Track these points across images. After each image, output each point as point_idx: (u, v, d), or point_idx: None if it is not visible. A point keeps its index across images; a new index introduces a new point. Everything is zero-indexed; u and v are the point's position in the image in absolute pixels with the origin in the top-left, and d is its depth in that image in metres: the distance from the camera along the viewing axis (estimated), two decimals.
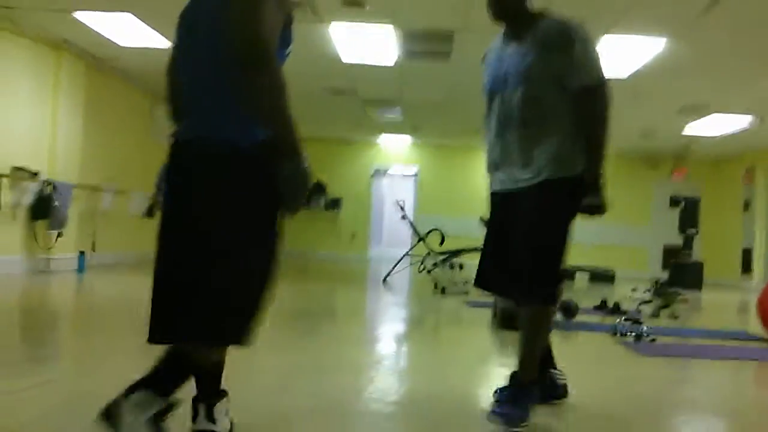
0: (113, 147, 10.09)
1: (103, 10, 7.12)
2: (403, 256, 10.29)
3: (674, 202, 14.01)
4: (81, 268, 8.60)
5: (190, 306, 1.87)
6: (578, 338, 5.27)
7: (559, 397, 3.02)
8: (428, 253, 9.81)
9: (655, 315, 6.93)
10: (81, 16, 7.28)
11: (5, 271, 7.72)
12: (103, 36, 7.93)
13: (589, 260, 13.25)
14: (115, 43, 8.23)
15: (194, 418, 2.10)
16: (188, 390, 2.05)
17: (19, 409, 2.58)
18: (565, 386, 3.04)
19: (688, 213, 14.16)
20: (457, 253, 10.21)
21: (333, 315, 6.44)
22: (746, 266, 14.07)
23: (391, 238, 17.98)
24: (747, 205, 14.40)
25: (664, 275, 12.49)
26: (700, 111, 10.51)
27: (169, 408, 1.94)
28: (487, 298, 7.20)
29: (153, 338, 1.94)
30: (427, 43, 7.72)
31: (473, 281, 3.04)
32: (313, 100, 11.32)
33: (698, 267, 12.59)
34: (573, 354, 4.50)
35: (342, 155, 16.29)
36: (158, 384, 1.92)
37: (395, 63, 8.56)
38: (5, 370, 3.20)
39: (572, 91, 2.70)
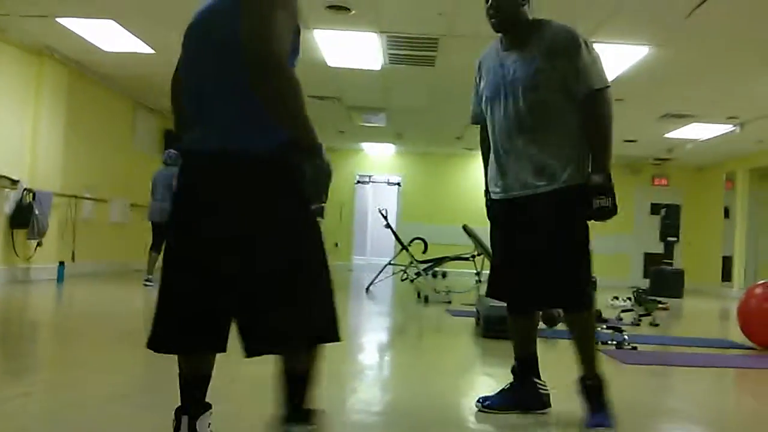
0: (94, 154, 10.01)
1: (86, 17, 7.08)
2: (386, 264, 10.29)
3: (656, 209, 14.14)
4: (60, 279, 8.51)
5: (282, 317, 1.91)
6: (560, 346, 5.29)
7: (541, 408, 3.02)
8: (411, 262, 9.80)
9: (636, 323, 6.96)
10: (65, 21, 7.22)
11: None
12: (87, 41, 7.87)
13: None
14: (99, 48, 8.17)
15: (176, 430, 2.07)
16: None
17: None
18: (547, 396, 3.04)
19: (670, 220, 14.29)
20: (439, 261, 10.22)
21: None
22: (726, 274, 14.19)
23: (375, 247, 17.97)
24: (727, 212, 14.53)
25: (646, 283, 12.56)
26: (681, 118, 10.61)
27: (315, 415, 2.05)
28: (470, 306, 7.21)
29: (253, 352, 1.94)
30: (411, 49, 7.75)
31: (486, 291, 3.08)
32: None
33: (679, 274, 12.68)
34: (555, 362, 4.50)
35: None
36: (298, 411, 2.02)
37: (381, 68, 8.57)
38: None
39: (578, 95, 2.75)
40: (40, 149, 8.46)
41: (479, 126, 3.18)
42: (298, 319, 1.93)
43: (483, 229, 10.27)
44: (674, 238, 14.11)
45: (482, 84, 3.02)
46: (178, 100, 2.21)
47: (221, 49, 1.95)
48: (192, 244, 1.99)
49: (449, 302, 8.35)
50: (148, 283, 8.44)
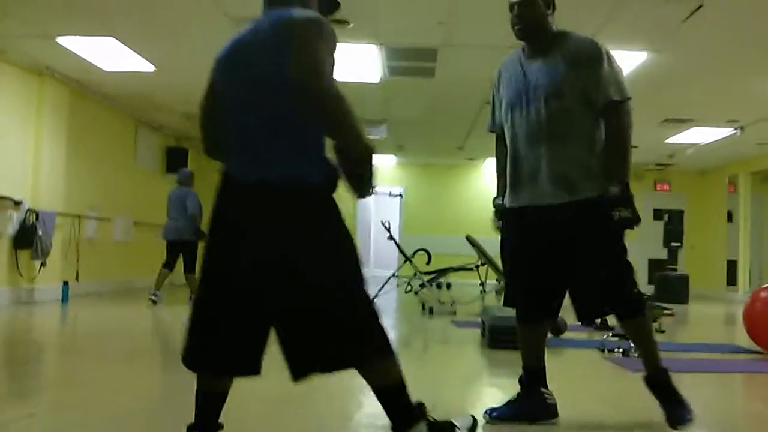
0: (97, 173, 10.03)
1: (86, 35, 7.10)
2: (390, 276, 10.27)
3: (658, 214, 14.10)
4: (65, 299, 8.50)
5: (329, 339, 2.02)
6: (566, 355, 5.27)
7: (549, 417, 3.01)
8: (415, 273, 9.79)
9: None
10: (65, 41, 7.26)
11: None
12: (87, 61, 7.90)
13: None
14: (99, 68, 8.21)
15: None
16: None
17: None
18: (554, 406, 3.02)
19: (673, 225, 14.25)
20: (444, 272, 10.20)
21: None
22: (731, 278, 14.14)
23: (379, 260, 17.94)
24: (730, 216, 14.50)
25: (650, 289, 12.52)
26: (681, 122, 10.60)
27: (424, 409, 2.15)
28: (475, 317, 7.19)
29: (302, 374, 2.06)
30: (411, 60, 7.76)
31: (504, 301, 3.11)
32: None
33: (684, 280, 12.63)
34: (562, 371, 4.48)
35: None
36: (403, 416, 2.11)
37: (380, 80, 8.58)
38: None
39: (599, 105, 2.79)
40: (42, 169, 8.48)
41: (495, 135, 3.18)
42: (345, 340, 2.03)
43: (486, 239, 10.28)
44: (678, 244, 14.06)
45: (502, 91, 3.03)
46: (209, 127, 2.29)
47: (262, 83, 2.04)
48: (235, 268, 2.04)
49: (454, 313, 8.33)
50: (153, 298, 8.44)
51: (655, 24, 6.24)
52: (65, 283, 8.61)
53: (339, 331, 2.01)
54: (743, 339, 5.91)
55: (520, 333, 3.10)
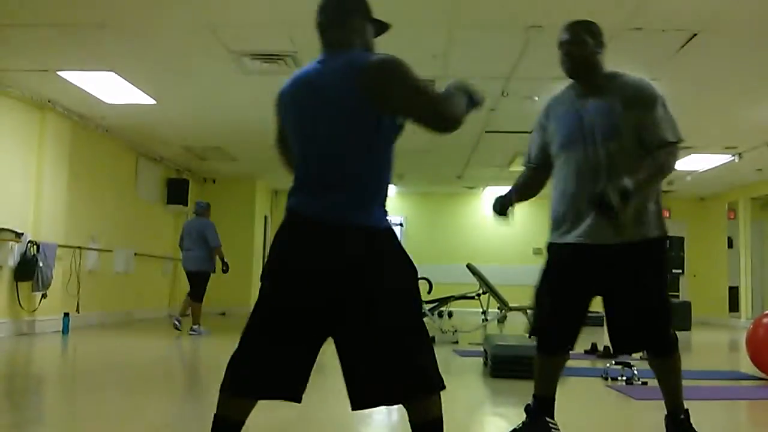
0: (98, 205, 10.05)
1: (87, 70, 7.18)
2: None
3: None
4: (65, 330, 8.48)
5: (390, 372, 2.09)
6: (570, 383, 5.24)
7: None
8: None
9: (645, 357, 6.89)
10: (66, 75, 7.33)
11: None
12: (88, 93, 7.97)
13: None
14: (100, 101, 8.27)
15: None
16: None
17: None
18: None
19: (674, 252, 14.23)
20: (445, 300, 10.18)
21: (321, 368, 6.35)
22: (733, 304, 14.10)
23: None
24: (731, 242, 14.50)
25: None
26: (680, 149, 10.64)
27: None
28: (477, 346, 7.16)
29: (363, 404, 2.12)
30: None
31: (531, 331, 3.13)
32: None
33: (686, 307, 12.57)
34: (565, 400, 4.45)
35: None
36: None
37: None
38: None
39: (651, 145, 2.82)
40: (43, 201, 8.50)
41: (528, 167, 3.23)
42: (404, 373, 2.09)
43: (487, 267, 10.29)
44: (679, 270, 14.05)
45: (551, 128, 3.05)
46: (287, 161, 2.37)
47: (339, 121, 2.09)
48: (305, 301, 2.08)
49: (456, 342, 8.29)
50: (193, 332, 8.70)
51: (652, 52, 6.31)
52: (66, 315, 8.59)
53: (405, 365, 2.08)
54: (747, 365, 5.88)
55: (539, 362, 3.09)
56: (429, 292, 10.08)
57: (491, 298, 9.58)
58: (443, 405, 2.17)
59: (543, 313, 3.06)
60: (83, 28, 5.97)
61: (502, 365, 5.29)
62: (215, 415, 2.11)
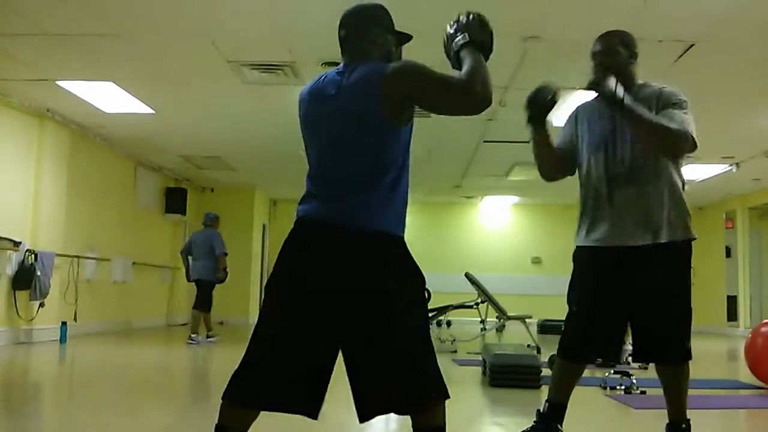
0: (96, 214, 10.04)
1: (86, 79, 7.19)
2: None
3: None
4: (63, 339, 8.46)
5: (397, 382, 2.08)
6: (574, 392, 5.22)
7: None
8: None
9: (644, 367, 6.89)
10: (65, 84, 7.34)
11: None
12: (87, 103, 7.98)
13: None
14: (100, 110, 8.28)
15: None
16: None
17: None
18: None
19: None
20: (443, 310, 10.16)
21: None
22: (732, 313, 14.10)
23: None
24: (729, 251, 14.51)
25: None
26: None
27: None
28: (476, 355, 7.15)
29: (369, 414, 2.09)
30: None
31: (565, 349, 3.07)
32: (295, 164, 11.38)
33: None
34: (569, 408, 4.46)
35: None
36: None
37: None
38: None
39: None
40: (42, 210, 8.49)
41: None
42: (415, 382, 2.09)
43: (485, 276, 10.24)
44: None
45: (579, 133, 3.06)
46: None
47: (356, 130, 2.13)
48: (308, 311, 2.08)
49: (455, 351, 8.29)
50: (209, 340, 8.83)
51: (649, 62, 6.31)
52: (63, 324, 8.57)
53: (416, 374, 2.09)
54: (745, 374, 5.87)
55: (559, 368, 3.09)
56: (427, 302, 10.05)
57: (490, 307, 9.56)
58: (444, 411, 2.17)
59: (580, 318, 3.04)
60: (83, 39, 5.99)
61: (500, 374, 5.28)
62: (216, 426, 2.11)
